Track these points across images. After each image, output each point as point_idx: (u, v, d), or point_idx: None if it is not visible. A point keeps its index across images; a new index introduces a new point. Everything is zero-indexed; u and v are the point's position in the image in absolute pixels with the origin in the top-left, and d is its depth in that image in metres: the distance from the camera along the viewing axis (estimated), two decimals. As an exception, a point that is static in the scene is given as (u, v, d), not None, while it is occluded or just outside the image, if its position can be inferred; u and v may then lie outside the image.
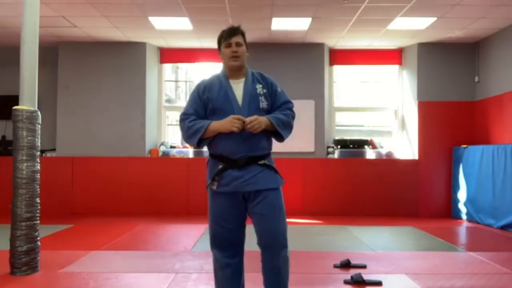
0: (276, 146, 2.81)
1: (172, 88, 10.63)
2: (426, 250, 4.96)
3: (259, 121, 2.49)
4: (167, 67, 8.74)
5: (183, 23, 6.71)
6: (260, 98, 2.60)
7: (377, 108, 8.60)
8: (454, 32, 7.08)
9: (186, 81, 11.40)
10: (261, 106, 2.59)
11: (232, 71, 2.64)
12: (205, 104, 2.62)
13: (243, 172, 2.53)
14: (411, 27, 6.84)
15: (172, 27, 6.97)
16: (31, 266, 3.77)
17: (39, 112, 3.93)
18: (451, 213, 7.51)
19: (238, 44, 2.60)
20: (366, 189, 7.56)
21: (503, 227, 6.14)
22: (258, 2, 5.87)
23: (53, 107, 7.81)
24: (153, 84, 8.12)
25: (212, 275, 3.72)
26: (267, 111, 2.62)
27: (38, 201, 3.87)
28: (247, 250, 2.71)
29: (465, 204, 7.13)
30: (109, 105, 7.77)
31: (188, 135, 2.64)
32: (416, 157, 7.69)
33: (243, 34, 2.64)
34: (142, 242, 5.35)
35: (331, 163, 7.74)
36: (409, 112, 7.99)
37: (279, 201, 2.59)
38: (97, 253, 4.62)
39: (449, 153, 7.61)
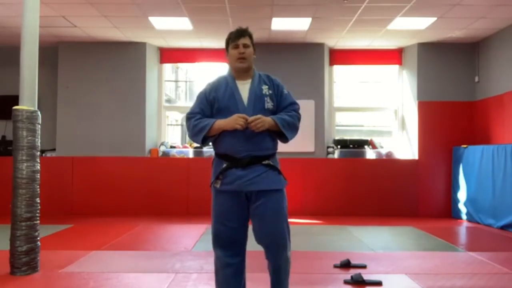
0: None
1: (172, 88, 10.61)
2: (426, 250, 4.96)
3: (262, 120, 2.51)
4: (167, 67, 8.73)
5: (183, 23, 6.71)
6: (265, 98, 2.63)
7: (377, 108, 8.60)
8: (454, 32, 7.08)
9: (186, 81, 11.40)
10: (266, 107, 2.61)
11: (239, 72, 2.67)
12: (211, 104, 2.65)
13: (246, 171, 2.54)
14: (411, 27, 6.84)
15: (172, 27, 6.97)
16: (31, 266, 3.77)
17: (39, 112, 3.93)
18: (451, 213, 7.51)
19: (245, 46, 2.64)
20: (366, 189, 7.56)
21: (503, 227, 6.14)
22: (258, 2, 5.87)
23: (53, 107, 7.81)
24: (153, 84, 8.12)
25: (212, 275, 3.72)
26: (273, 112, 2.64)
27: (38, 201, 3.87)
28: (249, 250, 2.71)
29: (465, 204, 7.13)
30: (109, 105, 7.77)
31: (193, 133, 2.66)
32: (416, 157, 7.69)
33: (250, 36, 2.69)
34: (142, 242, 5.35)
35: (331, 163, 7.73)
36: (409, 112, 7.99)
37: (281, 202, 2.61)
38: (97, 253, 4.62)
39: (449, 153, 7.61)
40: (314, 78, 7.75)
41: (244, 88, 2.65)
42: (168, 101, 9.53)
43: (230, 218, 2.60)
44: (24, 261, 3.72)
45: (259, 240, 2.60)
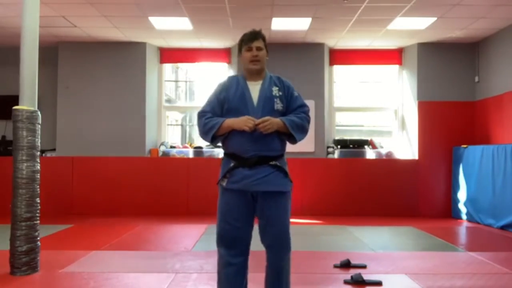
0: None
1: (172, 88, 10.61)
2: (426, 250, 4.96)
3: (271, 122, 2.55)
4: (167, 67, 8.73)
5: (183, 23, 6.72)
6: (275, 100, 2.66)
7: (377, 108, 8.60)
8: (454, 32, 7.08)
9: (186, 81, 11.39)
10: (275, 108, 2.65)
11: (251, 74, 2.72)
12: (221, 104, 2.69)
13: (253, 171, 2.57)
14: (411, 27, 6.84)
15: (172, 27, 6.98)
16: (31, 266, 3.77)
17: (39, 112, 3.93)
18: (451, 213, 7.51)
19: (258, 49, 2.68)
20: (366, 189, 7.56)
21: (503, 227, 6.14)
22: (258, 2, 5.87)
23: (53, 107, 7.81)
24: (153, 84, 8.12)
25: (212, 275, 3.74)
26: (282, 113, 2.67)
27: (38, 201, 3.87)
28: (255, 250, 2.73)
29: (465, 204, 7.13)
30: (109, 105, 7.77)
31: (203, 132, 2.70)
32: (416, 157, 7.69)
33: (264, 39, 2.73)
34: (142, 242, 5.35)
35: (331, 163, 7.73)
36: (409, 112, 7.99)
37: (286, 204, 2.66)
38: (97, 253, 4.62)
39: (449, 153, 7.61)
40: (314, 78, 7.75)
41: (254, 89, 2.69)
42: (168, 101, 9.53)
43: (235, 217, 2.62)
44: (24, 261, 3.72)
45: (263, 240, 2.64)
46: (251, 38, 2.69)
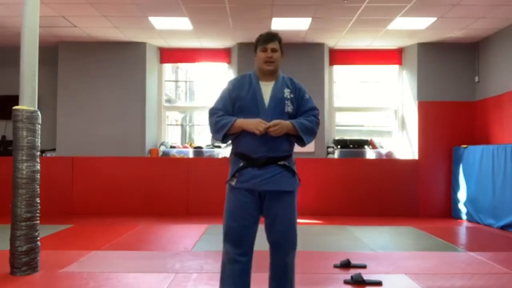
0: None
1: (172, 88, 10.61)
2: (426, 250, 4.96)
3: (281, 126, 2.59)
4: (167, 67, 8.73)
5: (183, 23, 6.72)
6: (286, 102, 2.70)
7: (377, 108, 8.60)
8: (454, 32, 7.08)
9: (186, 81, 11.39)
10: (286, 110, 2.69)
11: (264, 74, 2.75)
12: (233, 102, 2.72)
13: (262, 171, 2.62)
14: (411, 27, 6.84)
15: (172, 27, 6.98)
16: (31, 266, 3.77)
17: (39, 112, 3.93)
18: (451, 213, 7.51)
19: (273, 50, 2.72)
20: (366, 189, 7.56)
21: (503, 227, 6.14)
22: (258, 2, 5.87)
23: (53, 107, 7.81)
24: (153, 84, 8.12)
25: (212, 275, 3.74)
26: (292, 115, 2.71)
27: (38, 201, 3.87)
28: (256, 250, 2.74)
29: (465, 204, 7.13)
30: (109, 105, 7.77)
31: (214, 130, 2.72)
32: (416, 157, 7.69)
33: (279, 41, 2.77)
34: (142, 242, 5.35)
35: (331, 163, 7.74)
36: (409, 112, 7.99)
37: (293, 203, 2.71)
38: (97, 253, 4.62)
39: (449, 153, 7.61)
40: (314, 78, 7.75)
41: (266, 90, 2.72)
42: (168, 101, 9.53)
43: (242, 215, 2.66)
44: (24, 261, 3.72)
45: (271, 237, 2.68)
46: (267, 39, 2.74)
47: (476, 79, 7.62)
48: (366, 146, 7.98)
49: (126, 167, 7.58)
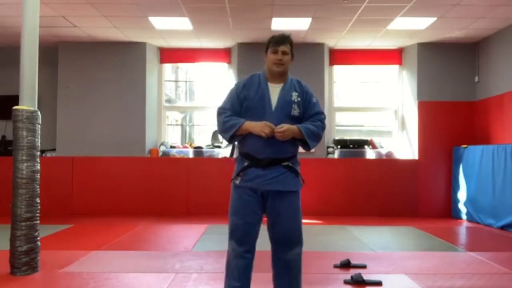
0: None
1: (172, 88, 10.61)
2: (426, 250, 4.96)
3: (287, 130, 2.63)
4: (167, 67, 8.73)
5: (183, 23, 6.71)
6: (293, 105, 2.73)
7: (377, 108, 8.60)
8: (454, 32, 7.08)
9: (186, 81, 11.39)
10: (292, 113, 2.72)
11: (273, 76, 2.78)
12: (241, 102, 2.75)
13: (266, 171, 2.68)
14: (411, 27, 6.84)
15: (172, 27, 6.98)
16: (31, 266, 3.77)
17: (39, 112, 3.93)
18: (451, 213, 7.51)
19: (284, 53, 2.74)
20: (366, 189, 7.56)
21: (503, 227, 6.14)
22: (258, 2, 5.87)
23: (53, 107, 7.81)
24: (153, 84, 8.12)
25: (212, 275, 3.74)
26: (298, 119, 2.74)
27: (38, 201, 3.87)
28: (256, 250, 2.76)
29: (465, 204, 7.13)
30: (109, 105, 7.77)
31: (222, 129, 2.77)
32: (416, 157, 7.69)
33: (291, 44, 2.79)
34: (142, 242, 5.35)
35: (331, 163, 7.74)
36: (409, 112, 7.99)
37: (296, 203, 2.78)
38: (97, 253, 4.62)
39: (449, 153, 7.61)
40: (314, 78, 7.73)
41: (274, 92, 2.75)
42: (168, 101, 9.53)
43: (246, 213, 2.70)
44: (24, 261, 3.72)
45: (275, 235, 2.73)
46: (278, 41, 2.75)
47: (476, 79, 7.62)
48: (366, 146, 7.98)
49: (126, 167, 7.58)
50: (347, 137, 8.24)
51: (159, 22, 6.72)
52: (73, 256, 4.40)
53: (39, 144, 3.92)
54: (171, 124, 9.45)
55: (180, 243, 5.22)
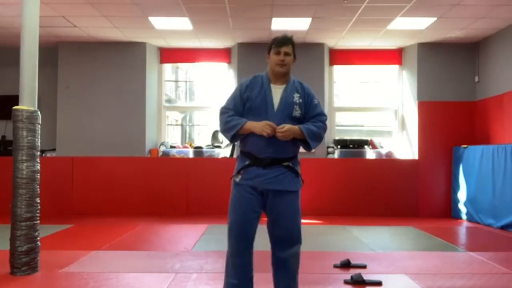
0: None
1: (172, 88, 10.61)
2: (426, 250, 4.96)
3: (289, 132, 2.67)
4: (167, 67, 8.73)
5: (183, 23, 6.71)
6: (295, 106, 2.77)
7: (377, 108, 8.60)
8: (454, 32, 7.08)
9: (186, 81, 11.40)
10: (293, 114, 2.76)
11: (276, 77, 2.82)
12: (244, 102, 2.79)
13: (266, 171, 2.71)
14: (411, 27, 6.84)
15: (172, 27, 6.98)
16: (31, 266, 3.76)
17: (39, 112, 3.93)
18: (451, 213, 7.51)
19: (286, 54, 2.78)
20: (366, 189, 7.56)
21: (503, 227, 6.14)
22: (258, 2, 5.87)
23: (53, 107, 7.81)
24: (153, 84, 8.12)
25: (212, 275, 3.75)
26: (300, 120, 2.79)
27: (38, 201, 3.87)
28: (256, 250, 2.78)
29: (465, 204, 7.13)
30: (109, 105, 7.77)
31: (224, 129, 2.81)
32: (416, 157, 7.69)
33: (293, 45, 2.84)
34: (142, 242, 5.35)
35: (331, 163, 7.74)
36: (409, 112, 7.99)
37: (296, 202, 2.81)
38: (97, 253, 4.62)
39: (449, 153, 7.61)
40: (314, 78, 7.73)
41: (277, 93, 2.79)
42: (168, 101, 9.53)
43: (245, 211, 2.74)
44: (24, 261, 3.72)
45: (274, 234, 2.76)
46: (281, 42, 2.79)
47: (476, 79, 7.62)
48: (366, 146, 7.98)
49: (126, 167, 7.58)
50: (347, 137, 8.24)
51: (159, 22, 6.72)
52: (73, 256, 4.39)
53: (39, 144, 3.92)
54: (171, 124, 9.45)
55: (180, 243, 5.22)
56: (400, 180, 7.59)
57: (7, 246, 3.81)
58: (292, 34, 2.92)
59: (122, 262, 4.32)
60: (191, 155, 7.95)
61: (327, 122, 2.94)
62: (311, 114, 2.81)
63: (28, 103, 3.85)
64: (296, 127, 2.71)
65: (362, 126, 9.17)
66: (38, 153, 3.90)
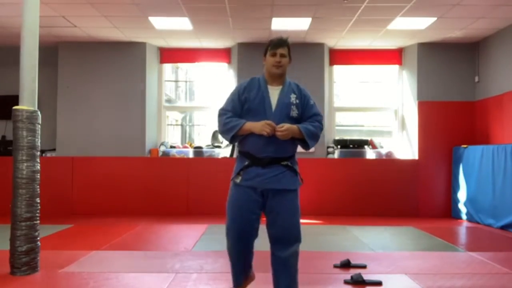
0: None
1: (172, 88, 10.62)
2: (426, 250, 4.96)
3: (289, 131, 2.73)
4: (167, 67, 8.73)
5: (183, 23, 6.71)
6: (292, 107, 2.84)
7: (377, 108, 8.60)
8: (454, 32, 7.08)
9: (186, 81, 11.40)
10: (291, 115, 2.83)
11: (272, 78, 2.90)
12: (242, 104, 2.86)
13: (265, 170, 2.77)
14: (411, 27, 6.84)
15: (172, 27, 6.98)
16: (31, 266, 3.76)
17: (39, 112, 3.93)
18: (451, 213, 7.51)
19: (282, 55, 2.86)
20: (366, 189, 7.56)
21: (503, 227, 6.14)
22: (258, 2, 5.87)
23: (53, 107, 7.81)
24: (153, 84, 8.12)
25: (212, 275, 3.76)
26: (297, 120, 2.85)
27: (38, 201, 3.87)
28: (256, 250, 2.80)
29: (465, 204, 7.13)
30: (109, 105, 7.77)
31: (223, 130, 2.87)
32: (416, 157, 7.69)
33: (288, 47, 2.92)
34: (142, 242, 5.35)
35: (331, 163, 7.74)
36: (409, 112, 7.99)
37: (295, 201, 2.85)
38: (97, 253, 4.62)
39: (449, 153, 7.61)
40: (314, 78, 7.74)
41: (274, 94, 2.86)
42: (168, 101, 9.53)
43: (244, 212, 2.79)
44: (24, 261, 3.72)
45: (273, 232, 2.78)
46: (277, 44, 2.87)
47: (476, 79, 7.62)
48: (366, 146, 7.98)
49: (126, 167, 7.58)
50: (347, 137, 8.23)
51: (159, 22, 6.72)
52: (73, 256, 4.39)
53: (39, 144, 3.92)
54: (171, 124, 9.45)
55: (180, 243, 5.22)
56: (400, 180, 7.59)
57: (7, 246, 3.81)
58: (287, 36, 2.98)
59: (122, 262, 4.32)
60: (191, 155, 7.95)
61: (326, 121, 3.00)
62: (307, 114, 2.88)
63: (28, 103, 3.85)
64: (294, 126, 2.77)
65: (362, 126, 9.17)
66: (38, 153, 3.90)
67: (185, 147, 8.13)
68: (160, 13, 6.33)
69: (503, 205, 6.16)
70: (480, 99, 7.52)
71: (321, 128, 2.90)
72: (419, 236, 5.76)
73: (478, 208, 6.77)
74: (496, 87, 7.04)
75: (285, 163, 2.80)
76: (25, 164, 3.77)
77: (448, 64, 7.72)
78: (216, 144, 7.98)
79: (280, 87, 2.88)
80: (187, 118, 10.52)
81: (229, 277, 3.26)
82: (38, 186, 3.87)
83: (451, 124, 7.61)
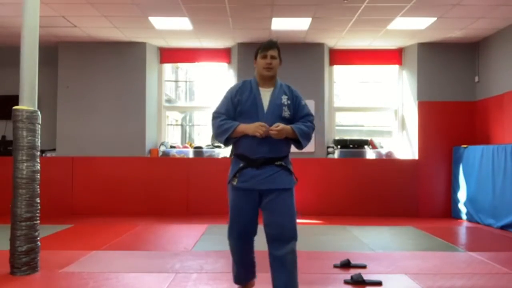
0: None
1: (172, 88, 10.61)
2: (426, 250, 4.96)
3: (282, 131, 2.78)
4: (167, 67, 8.73)
5: (183, 23, 6.72)
6: (283, 108, 2.90)
7: (377, 108, 8.60)
8: (454, 32, 7.08)
9: (186, 81, 11.40)
10: (283, 115, 2.89)
11: (264, 80, 2.95)
12: (235, 106, 2.91)
13: (260, 171, 2.82)
14: (411, 27, 6.84)
15: (172, 27, 6.98)
16: (31, 266, 3.77)
17: (39, 112, 3.93)
18: (451, 213, 7.51)
19: (272, 57, 2.92)
20: (366, 189, 7.56)
21: (503, 227, 6.14)
22: (258, 2, 5.87)
23: (53, 107, 7.81)
24: (153, 84, 8.12)
25: (212, 275, 3.76)
26: (289, 120, 2.90)
27: (38, 201, 3.87)
28: (256, 250, 2.85)
29: (465, 204, 7.13)
30: (109, 105, 7.77)
31: (217, 133, 2.92)
32: (416, 157, 7.69)
33: (278, 49, 2.97)
34: (142, 242, 5.35)
35: (331, 163, 7.74)
36: (409, 112, 7.99)
37: (290, 199, 2.88)
38: (97, 253, 4.62)
39: (449, 153, 7.61)
40: (314, 78, 7.74)
41: (265, 95, 2.92)
42: (168, 101, 9.53)
43: (243, 213, 2.88)
44: (24, 261, 3.72)
45: (269, 231, 2.82)
46: (267, 46, 2.93)
47: (476, 79, 7.62)
48: (366, 146, 7.98)
49: (126, 167, 7.58)
50: (347, 137, 8.23)
51: (159, 22, 6.72)
52: (73, 256, 4.39)
53: (39, 144, 3.92)
54: (171, 124, 9.45)
55: (180, 243, 5.22)
56: (400, 180, 7.59)
57: (7, 246, 3.81)
58: (277, 39, 3.07)
59: (122, 262, 4.32)
60: (191, 155, 7.95)
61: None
62: (299, 115, 2.94)
63: (28, 103, 3.85)
64: (288, 126, 2.83)
65: (362, 126, 9.17)
66: (38, 153, 3.91)
67: (185, 147, 8.13)
68: (160, 13, 6.33)
69: (503, 205, 6.16)
70: (480, 99, 7.52)
71: (313, 128, 2.96)
72: (419, 236, 5.76)
73: (478, 208, 6.77)
74: (496, 87, 7.04)
75: (279, 163, 2.85)
76: (25, 164, 3.77)
77: (448, 64, 7.72)
78: (216, 144, 7.98)
79: (272, 88, 2.93)
80: (187, 118, 10.52)
81: (229, 277, 3.27)
82: (38, 186, 3.87)
83: (451, 124, 7.61)
